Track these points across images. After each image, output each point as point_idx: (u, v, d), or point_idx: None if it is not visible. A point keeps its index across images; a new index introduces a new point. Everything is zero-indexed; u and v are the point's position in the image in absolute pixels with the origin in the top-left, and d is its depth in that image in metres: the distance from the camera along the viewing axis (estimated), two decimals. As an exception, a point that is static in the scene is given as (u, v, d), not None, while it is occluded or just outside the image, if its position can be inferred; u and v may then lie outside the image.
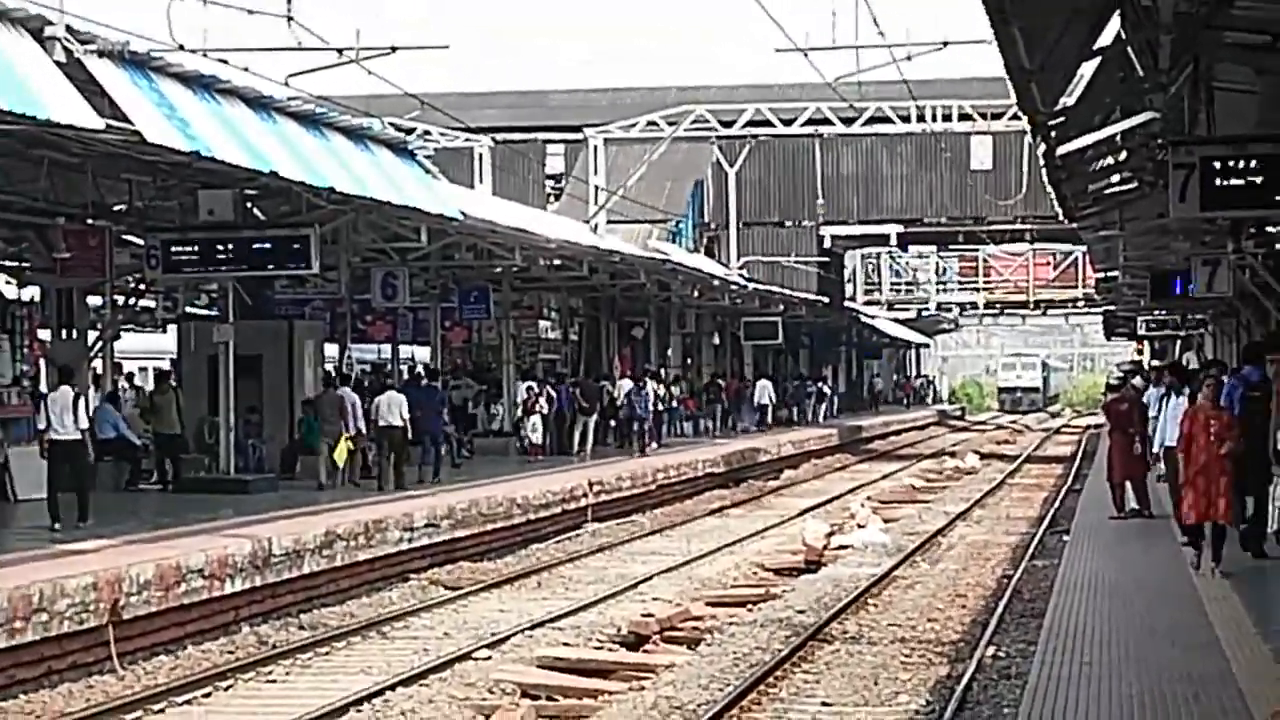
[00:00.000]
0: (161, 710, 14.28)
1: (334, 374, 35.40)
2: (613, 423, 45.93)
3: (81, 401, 22.60)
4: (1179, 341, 45.99)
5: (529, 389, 41.82)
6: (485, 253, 37.15)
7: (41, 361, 28.34)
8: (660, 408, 49.48)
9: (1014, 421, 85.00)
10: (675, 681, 14.94)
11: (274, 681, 15.58)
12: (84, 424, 24.25)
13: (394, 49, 33.21)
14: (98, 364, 29.42)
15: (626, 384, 47.06)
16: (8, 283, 29.36)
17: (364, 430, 30.43)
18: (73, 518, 20.66)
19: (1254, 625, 12.90)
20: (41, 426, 22.00)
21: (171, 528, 20.01)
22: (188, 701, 14.72)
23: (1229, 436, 15.41)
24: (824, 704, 14.15)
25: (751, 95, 59.82)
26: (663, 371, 54.69)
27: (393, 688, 14.45)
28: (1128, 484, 25.67)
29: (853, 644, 17.22)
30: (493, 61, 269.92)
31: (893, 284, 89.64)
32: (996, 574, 23.29)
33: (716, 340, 62.88)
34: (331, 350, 39.11)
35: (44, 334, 29.00)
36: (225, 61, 25.95)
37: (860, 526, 29.19)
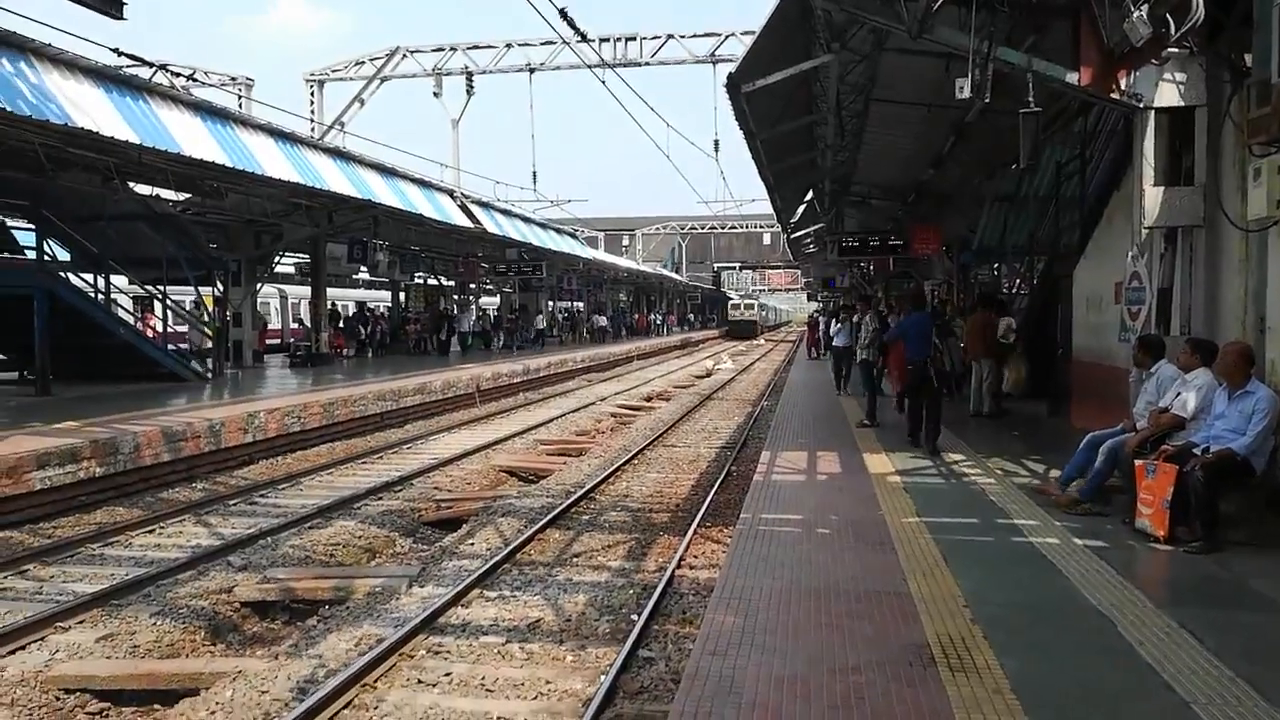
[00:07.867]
0: (494, 417, 14.34)
1: (561, 315, 35.25)
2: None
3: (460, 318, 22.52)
4: (833, 304, 45.15)
5: (608, 317, 39.77)
6: (600, 270, 36.64)
7: (449, 306, 27.25)
8: (659, 321, 49.53)
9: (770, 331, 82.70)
10: (662, 413, 14.85)
11: (531, 410, 15.43)
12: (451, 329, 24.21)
13: (569, 200, 33.18)
14: (473, 308, 29.12)
15: (653, 317, 46.88)
16: (441, 279, 28.56)
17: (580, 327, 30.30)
18: (460, 360, 20.52)
19: (843, 395, 12.78)
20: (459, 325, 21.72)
21: (492, 362, 19.91)
22: (505, 414, 14.69)
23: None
24: (709, 420, 14.07)
25: (688, 219, 59.15)
26: (662, 313, 54.13)
27: (568, 413, 14.42)
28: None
29: (720, 401, 17.12)
30: (599, 197, 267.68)
31: (738, 287, 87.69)
32: (769, 378, 22.99)
33: (678, 302, 61.98)
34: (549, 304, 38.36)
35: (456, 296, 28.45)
36: (511, 204, 25.61)
37: (725, 362, 29.00)
